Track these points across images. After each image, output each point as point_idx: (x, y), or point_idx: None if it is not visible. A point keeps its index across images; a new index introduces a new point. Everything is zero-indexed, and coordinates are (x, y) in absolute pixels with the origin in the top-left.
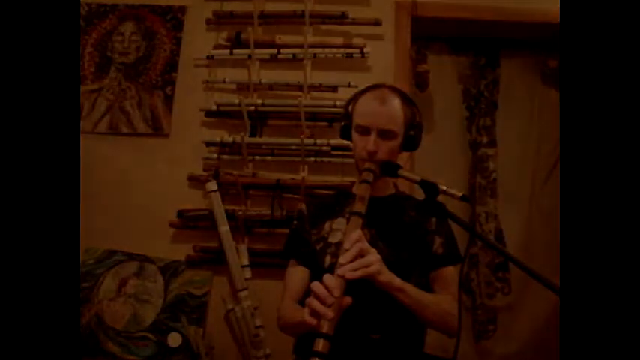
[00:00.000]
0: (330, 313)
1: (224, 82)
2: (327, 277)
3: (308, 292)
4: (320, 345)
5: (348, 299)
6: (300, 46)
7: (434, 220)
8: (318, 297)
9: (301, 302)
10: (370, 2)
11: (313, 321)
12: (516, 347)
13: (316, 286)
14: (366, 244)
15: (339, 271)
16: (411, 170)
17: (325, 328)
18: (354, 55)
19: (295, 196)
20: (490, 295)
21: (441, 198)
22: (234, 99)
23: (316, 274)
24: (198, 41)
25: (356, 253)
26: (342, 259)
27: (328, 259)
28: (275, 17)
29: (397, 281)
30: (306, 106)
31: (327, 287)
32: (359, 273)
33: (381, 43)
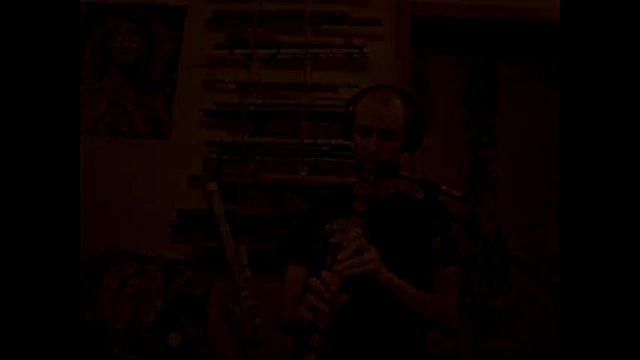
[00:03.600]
0: (326, 308)
1: (224, 82)
2: (324, 273)
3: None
4: (315, 340)
5: (344, 296)
6: (300, 46)
7: (434, 220)
8: (314, 292)
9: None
10: (370, 2)
11: (310, 316)
12: (516, 347)
13: (313, 282)
14: (364, 242)
15: (337, 267)
16: (412, 170)
17: (321, 323)
18: (354, 55)
19: (295, 196)
20: (490, 295)
21: (441, 198)
22: (234, 99)
23: (316, 274)
24: (198, 41)
25: (354, 250)
26: (339, 256)
27: (329, 260)
28: (275, 17)
29: (396, 280)
30: (306, 106)
31: (324, 283)
32: (356, 270)
33: (381, 43)
